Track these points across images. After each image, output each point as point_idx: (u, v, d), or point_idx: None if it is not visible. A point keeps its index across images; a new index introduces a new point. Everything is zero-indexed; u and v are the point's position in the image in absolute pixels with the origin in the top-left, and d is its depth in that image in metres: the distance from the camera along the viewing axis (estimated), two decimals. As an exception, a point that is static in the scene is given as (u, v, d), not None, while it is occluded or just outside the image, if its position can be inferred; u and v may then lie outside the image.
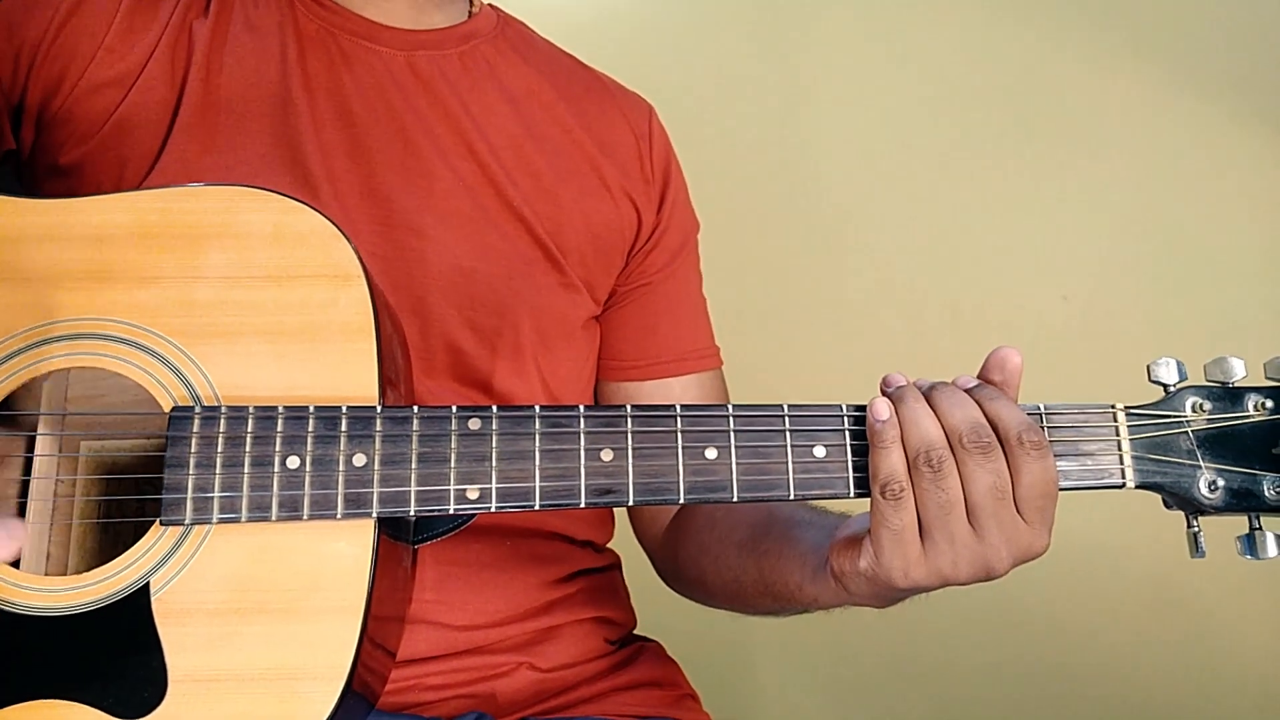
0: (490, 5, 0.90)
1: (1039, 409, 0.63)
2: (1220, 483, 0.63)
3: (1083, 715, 1.46)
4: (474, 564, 0.77)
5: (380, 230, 0.77)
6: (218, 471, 0.58)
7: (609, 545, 0.90)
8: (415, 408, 0.60)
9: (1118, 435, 0.63)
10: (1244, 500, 0.63)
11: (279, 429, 0.59)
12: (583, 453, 0.60)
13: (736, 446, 0.61)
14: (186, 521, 0.58)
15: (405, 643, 0.69)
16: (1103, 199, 1.52)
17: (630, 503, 0.60)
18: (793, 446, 0.61)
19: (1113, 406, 0.64)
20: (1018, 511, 0.60)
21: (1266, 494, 0.63)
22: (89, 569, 0.59)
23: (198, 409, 0.59)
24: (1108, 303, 1.50)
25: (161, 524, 0.58)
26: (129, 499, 0.64)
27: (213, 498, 0.58)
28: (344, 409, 0.60)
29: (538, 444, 0.60)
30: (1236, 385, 0.65)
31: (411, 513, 0.59)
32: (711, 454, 0.61)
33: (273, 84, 0.78)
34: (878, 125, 1.54)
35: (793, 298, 1.52)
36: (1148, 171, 1.52)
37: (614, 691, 0.80)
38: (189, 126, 0.76)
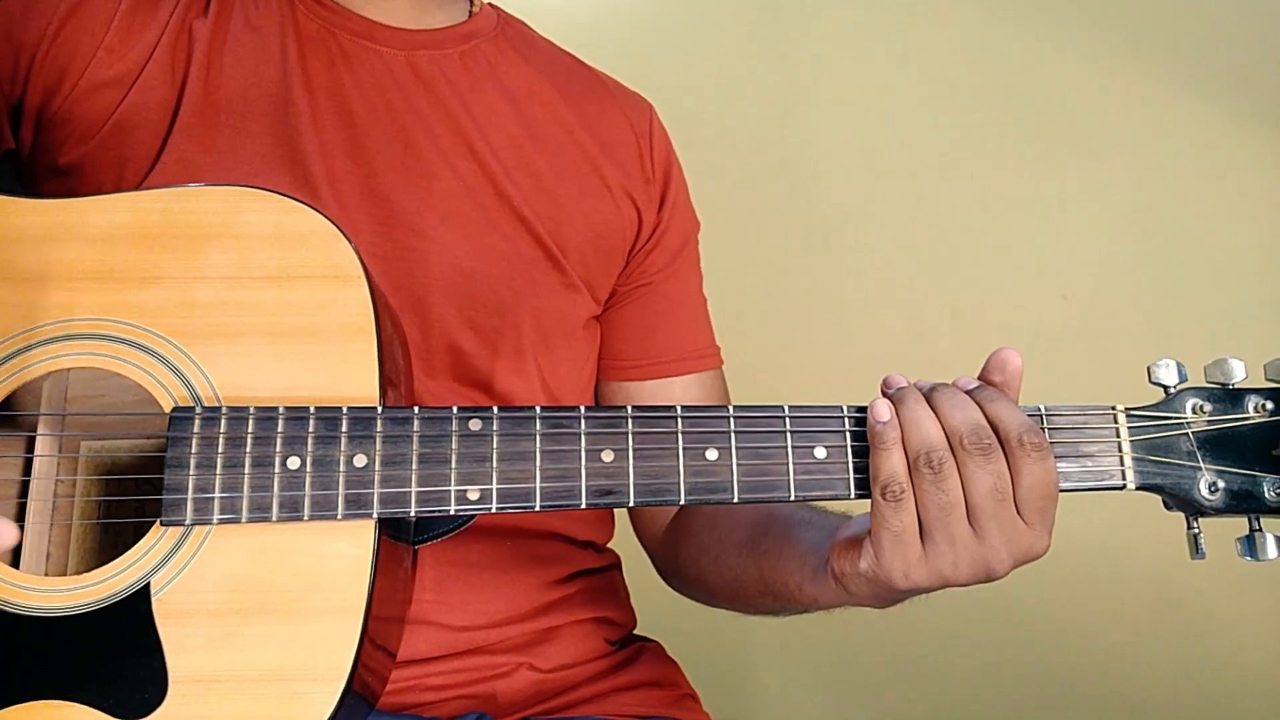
0: (490, 5, 0.90)
1: (1039, 410, 0.63)
2: (1220, 484, 0.63)
3: (1083, 715, 1.46)
4: (474, 564, 0.77)
5: (381, 230, 0.77)
6: (218, 472, 0.58)
7: (609, 545, 0.90)
8: (416, 408, 0.60)
9: (1118, 437, 0.63)
10: (1244, 502, 0.63)
11: (280, 429, 0.59)
12: (583, 454, 0.60)
13: (737, 447, 0.61)
14: (187, 522, 0.58)
15: (405, 643, 0.69)
16: (1103, 199, 1.52)
17: (631, 504, 0.60)
18: (793, 448, 0.61)
19: (1113, 408, 0.64)
20: (1018, 513, 0.60)
21: (1266, 495, 0.63)
22: (89, 569, 0.59)
23: (198, 409, 0.59)
24: (1108, 303, 1.50)
25: (162, 524, 0.58)
26: (129, 499, 0.64)
27: (213, 498, 0.58)
28: (345, 410, 0.60)
29: (538, 445, 0.60)
30: (1237, 387, 0.65)
31: (412, 513, 0.59)
32: (712, 455, 0.61)
33: (273, 84, 0.78)
34: (878, 125, 1.54)
35: (793, 298, 1.52)
36: (1148, 171, 1.52)
37: (614, 692, 0.80)
38: (189, 126, 0.76)
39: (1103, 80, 1.53)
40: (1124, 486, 0.63)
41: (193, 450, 0.58)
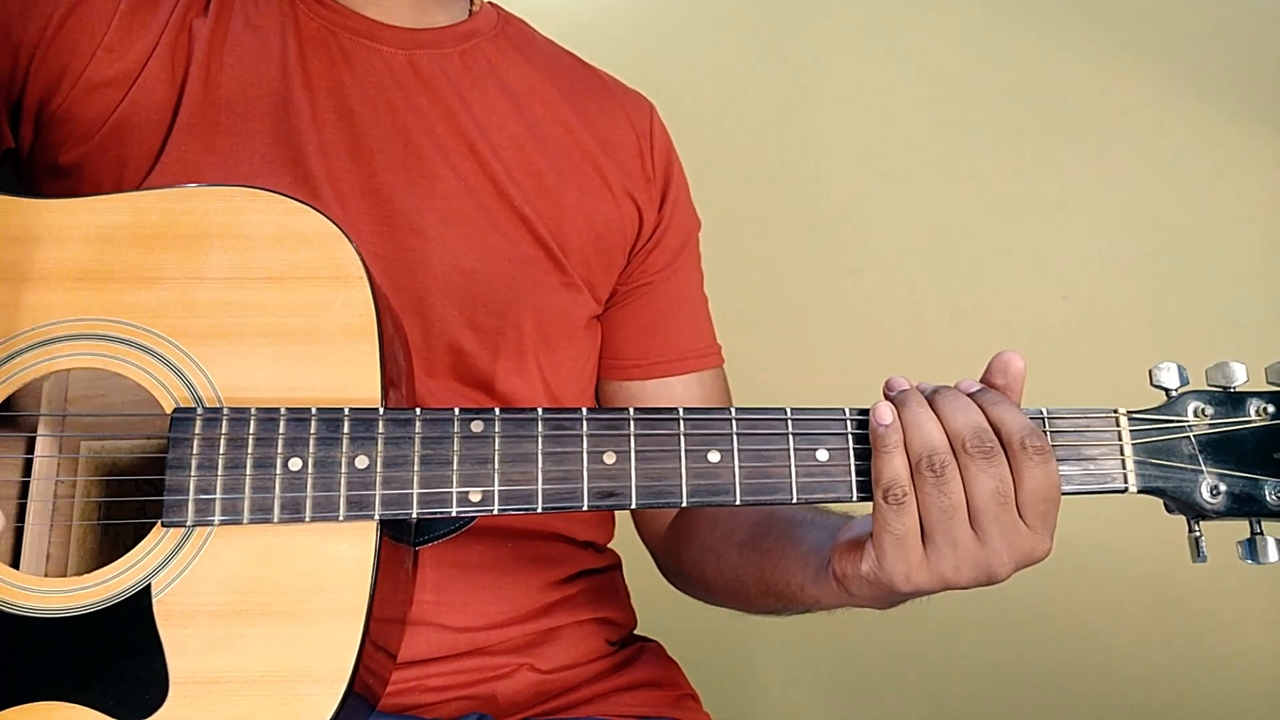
0: (490, 3, 0.90)
1: (1042, 413, 0.63)
2: (1222, 487, 0.63)
3: (1083, 716, 1.46)
4: (475, 565, 0.77)
5: (381, 230, 0.77)
6: (220, 473, 0.58)
7: (609, 545, 0.90)
8: (418, 410, 0.60)
9: (1120, 440, 0.63)
10: (1245, 505, 0.63)
11: (281, 430, 0.59)
12: (585, 455, 0.60)
13: (739, 450, 0.61)
14: (188, 523, 0.58)
15: (406, 644, 0.69)
16: (1103, 199, 1.52)
17: (633, 505, 0.60)
18: (795, 450, 0.61)
19: (1115, 411, 0.64)
20: (1020, 516, 0.60)
21: (1268, 499, 0.63)
22: (89, 570, 0.59)
23: (200, 410, 0.59)
24: (1108, 303, 1.50)
25: (163, 525, 0.58)
26: (130, 500, 0.64)
27: (214, 499, 0.58)
28: (346, 411, 0.59)
29: (540, 446, 0.60)
30: (1238, 390, 0.65)
31: (414, 515, 0.59)
32: (714, 457, 0.61)
33: (273, 83, 0.78)
34: (878, 125, 1.54)
35: (792, 298, 1.52)
36: (1148, 171, 1.52)
37: (614, 692, 0.80)
38: (189, 126, 0.75)
39: (1103, 80, 1.53)
40: (1126, 489, 0.63)
41: (194, 451, 0.58)
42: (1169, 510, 0.66)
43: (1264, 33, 1.52)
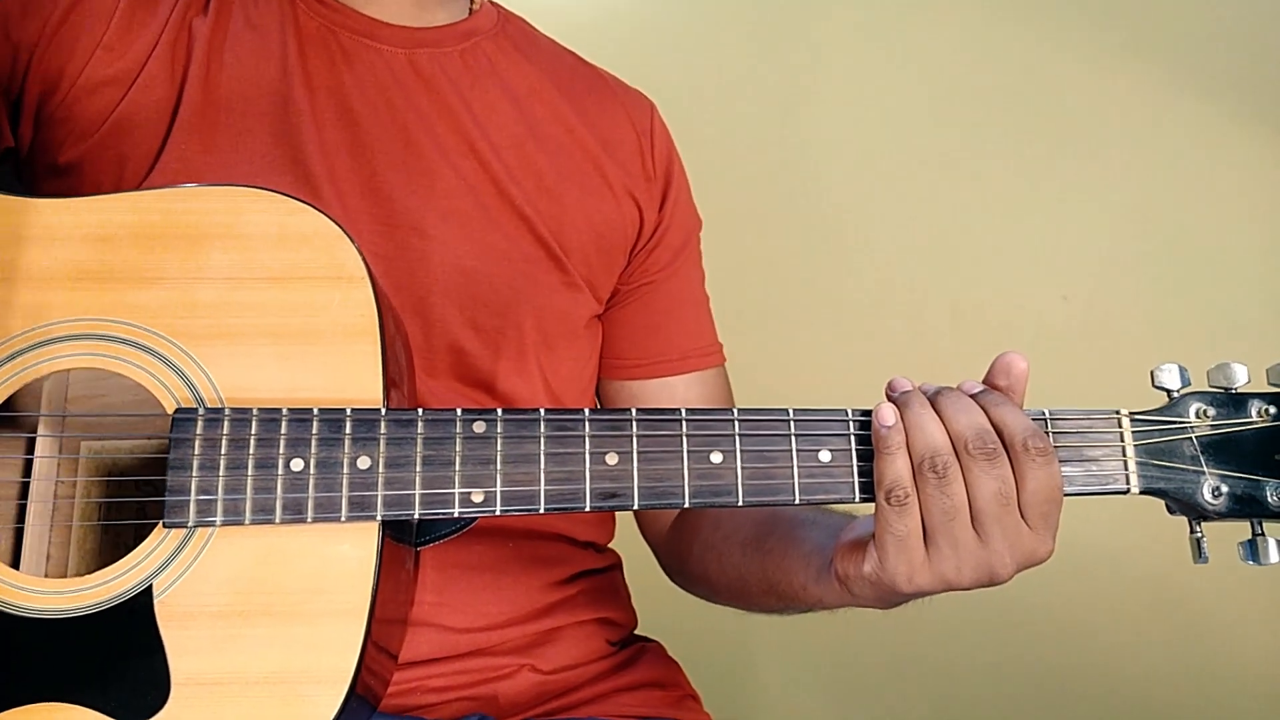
0: (491, 2, 0.90)
1: (1044, 414, 0.63)
2: (1224, 489, 0.63)
3: (1083, 716, 1.47)
4: (476, 566, 0.77)
5: (382, 230, 0.77)
6: (221, 473, 0.58)
7: (610, 545, 0.90)
8: (420, 410, 0.60)
9: (1122, 441, 0.63)
10: (1247, 506, 0.63)
11: (283, 431, 0.59)
12: (588, 456, 0.60)
13: (742, 451, 0.61)
14: (190, 524, 0.58)
15: (407, 645, 0.69)
16: (1103, 199, 1.52)
17: (635, 507, 0.60)
18: (798, 451, 0.61)
19: (1117, 412, 0.64)
20: (1022, 517, 0.60)
21: (1269, 500, 0.63)
22: (89, 570, 0.58)
23: (201, 410, 0.59)
24: (1108, 303, 1.51)
25: (165, 526, 0.58)
26: (130, 500, 0.64)
27: (216, 500, 0.58)
28: (348, 411, 0.59)
29: (542, 447, 0.60)
30: (1239, 391, 0.65)
31: (416, 516, 0.59)
32: (717, 458, 0.61)
33: (273, 82, 0.77)
34: (878, 125, 1.54)
35: (792, 298, 1.52)
36: (1148, 171, 1.52)
37: (615, 692, 0.80)
38: (189, 125, 0.75)
39: (1103, 80, 1.53)
40: (1128, 491, 0.63)
41: (195, 451, 0.58)
42: (1170, 511, 0.66)
43: (1264, 33, 1.52)
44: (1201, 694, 1.46)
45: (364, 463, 0.59)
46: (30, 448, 0.64)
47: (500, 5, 0.90)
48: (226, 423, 0.59)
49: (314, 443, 0.59)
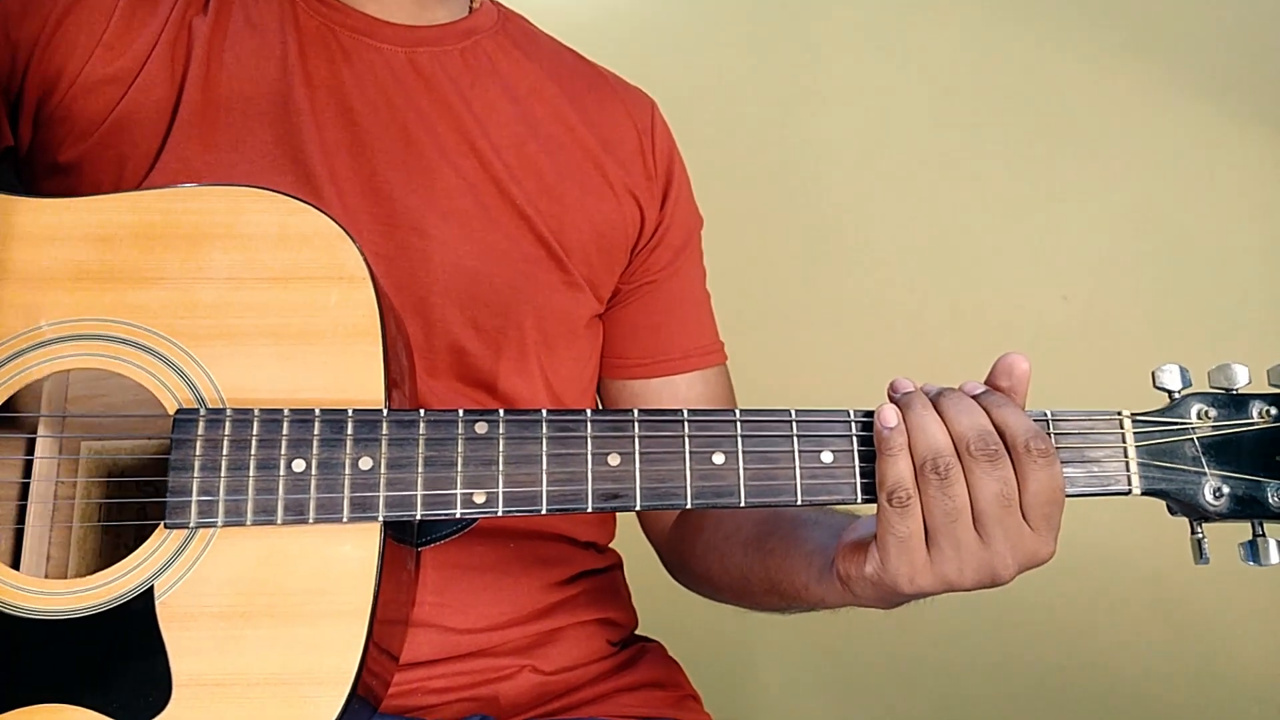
0: (491, 0, 0.90)
1: (1046, 415, 0.63)
2: (1225, 490, 0.63)
3: (1083, 716, 1.47)
4: (476, 567, 0.76)
5: (383, 230, 0.77)
6: (223, 474, 0.58)
7: (611, 545, 0.90)
8: (422, 411, 0.60)
9: (1124, 442, 0.63)
10: (1248, 507, 0.63)
11: (284, 432, 0.59)
12: (590, 457, 0.60)
13: (744, 452, 0.61)
14: (191, 524, 0.58)
15: (408, 646, 0.69)
16: (1103, 199, 1.52)
17: (637, 508, 0.60)
18: (800, 452, 0.61)
19: (1119, 414, 0.64)
20: (1024, 519, 0.60)
21: (1270, 501, 0.63)
22: (90, 571, 0.58)
23: (203, 411, 0.59)
24: (1108, 303, 1.51)
25: (166, 527, 0.58)
26: (131, 501, 0.64)
27: (218, 501, 0.58)
28: (350, 412, 0.59)
29: (544, 448, 0.60)
30: (1240, 392, 0.65)
31: (418, 517, 0.59)
32: (719, 459, 0.61)
33: (273, 82, 0.77)
34: (878, 125, 1.54)
35: (792, 297, 1.52)
36: (1148, 171, 1.52)
37: (616, 693, 0.80)
38: (189, 125, 0.75)
39: (1103, 80, 1.53)
40: (1129, 492, 0.63)
41: (197, 452, 0.58)
42: (1172, 512, 0.66)
43: (1264, 33, 1.52)
44: (1201, 694, 1.46)
45: (366, 463, 0.59)
46: (30, 448, 0.64)
47: (500, 4, 0.90)
48: (228, 423, 0.59)
49: (316, 443, 0.59)
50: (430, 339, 0.77)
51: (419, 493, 0.59)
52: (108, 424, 0.65)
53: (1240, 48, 1.52)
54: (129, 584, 0.57)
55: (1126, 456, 0.63)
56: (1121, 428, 0.64)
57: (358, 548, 0.58)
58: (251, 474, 0.58)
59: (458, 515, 0.59)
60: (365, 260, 0.62)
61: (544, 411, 0.61)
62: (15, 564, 0.62)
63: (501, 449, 0.60)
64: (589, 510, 0.60)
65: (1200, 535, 0.64)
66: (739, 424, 0.61)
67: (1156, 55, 1.53)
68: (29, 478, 0.63)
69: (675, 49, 1.53)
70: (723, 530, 0.80)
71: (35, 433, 0.64)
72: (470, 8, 0.87)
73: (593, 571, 0.85)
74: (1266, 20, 1.52)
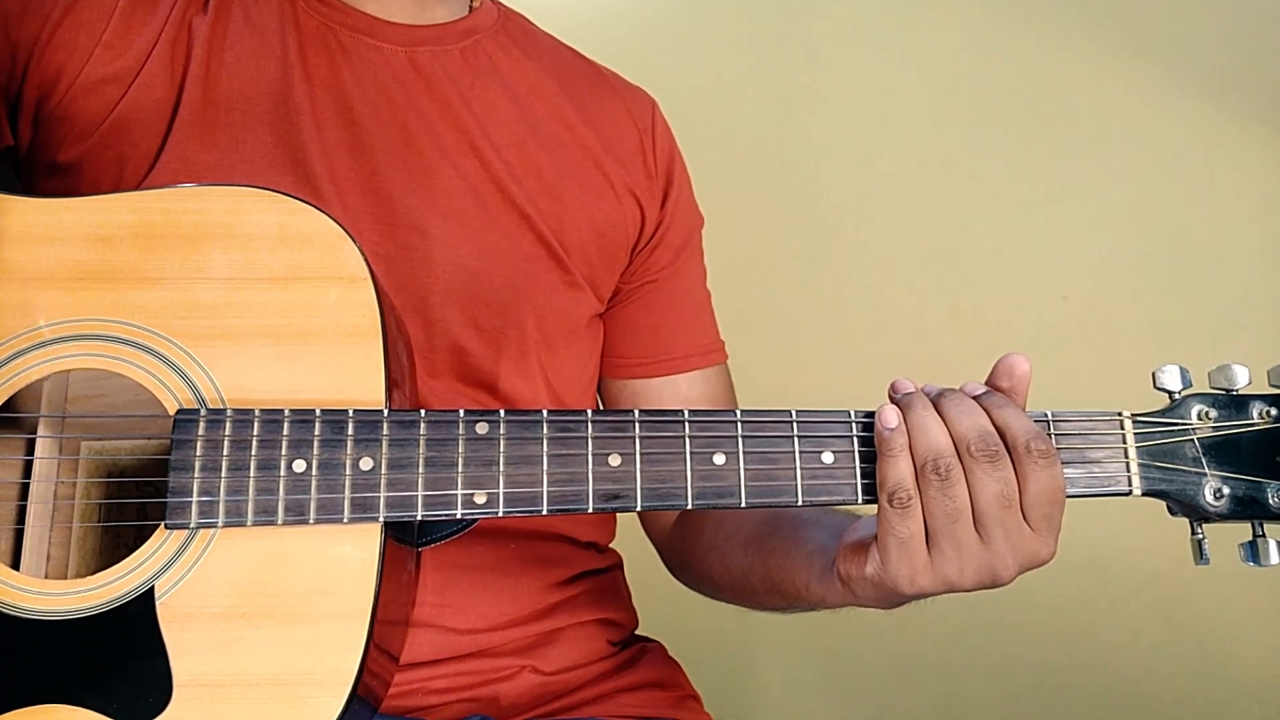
0: (491, -1, 0.90)
1: (1046, 416, 0.63)
2: (1225, 490, 0.63)
3: (1083, 716, 1.47)
4: (477, 567, 0.76)
5: (383, 229, 0.76)
6: (223, 475, 0.58)
7: (611, 545, 0.90)
8: (422, 411, 0.60)
9: (1124, 443, 0.63)
10: (1248, 508, 0.63)
11: (285, 432, 0.59)
12: (590, 458, 0.60)
13: (744, 452, 0.61)
14: (191, 525, 0.58)
15: (408, 647, 0.69)
16: (1103, 199, 1.52)
17: (638, 508, 0.60)
18: (801, 453, 0.61)
19: (1119, 414, 0.64)
20: (1024, 519, 0.60)
21: (1270, 502, 0.63)
22: (90, 572, 0.58)
23: (203, 411, 0.59)
24: (1108, 303, 1.51)
25: (166, 527, 0.58)
26: (131, 502, 0.64)
27: (218, 501, 0.58)
28: (351, 412, 0.59)
29: (545, 449, 0.60)
30: (1241, 393, 0.65)
31: (418, 517, 0.59)
32: (719, 460, 0.61)
33: (273, 81, 0.77)
34: (878, 125, 1.54)
35: (792, 297, 1.52)
36: (1148, 171, 1.52)
37: (616, 693, 0.80)
38: (189, 124, 0.75)
39: (1103, 80, 1.53)
40: (1130, 492, 0.63)
41: (197, 452, 0.58)
42: (1172, 513, 0.66)
43: (1264, 33, 1.52)
44: (1201, 694, 1.46)
45: (366, 464, 0.59)
46: (30, 448, 0.64)
47: (500, 3, 0.90)
48: (228, 424, 0.59)
49: (316, 444, 0.59)
50: (431, 339, 0.77)
51: (420, 493, 0.59)
52: (108, 424, 0.65)
53: (1240, 48, 1.52)
54: (129, 584, 0.57)
55: (1127, 457, 0.63)
56: (1122, 428, 0.64)
57: (358, 548, 0.58)
58: (252, 474, 0.58)
59: (458, 516, 0.59)
60: (366, 260, 0.62)
61: (544, 412, 0.61)
62: (15, 564, 0.62)
63: (502, 449, 0.60)
64: (589, 511, 0.60)
65: (1200, 536, 0.64)
66: (739, 424, 0.61)
67: (1156, 55, 1.53)
68: (29, 478, 0.63)
69: (675, 48, 1.53)
70: (724, 529, 0.81)
71: (35, 433, 0.64)
72: (470, 7, 0.86)
73: (593, 572, 0.85)
74: (1266, 20, 1.52)
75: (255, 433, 0.59)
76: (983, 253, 1.52)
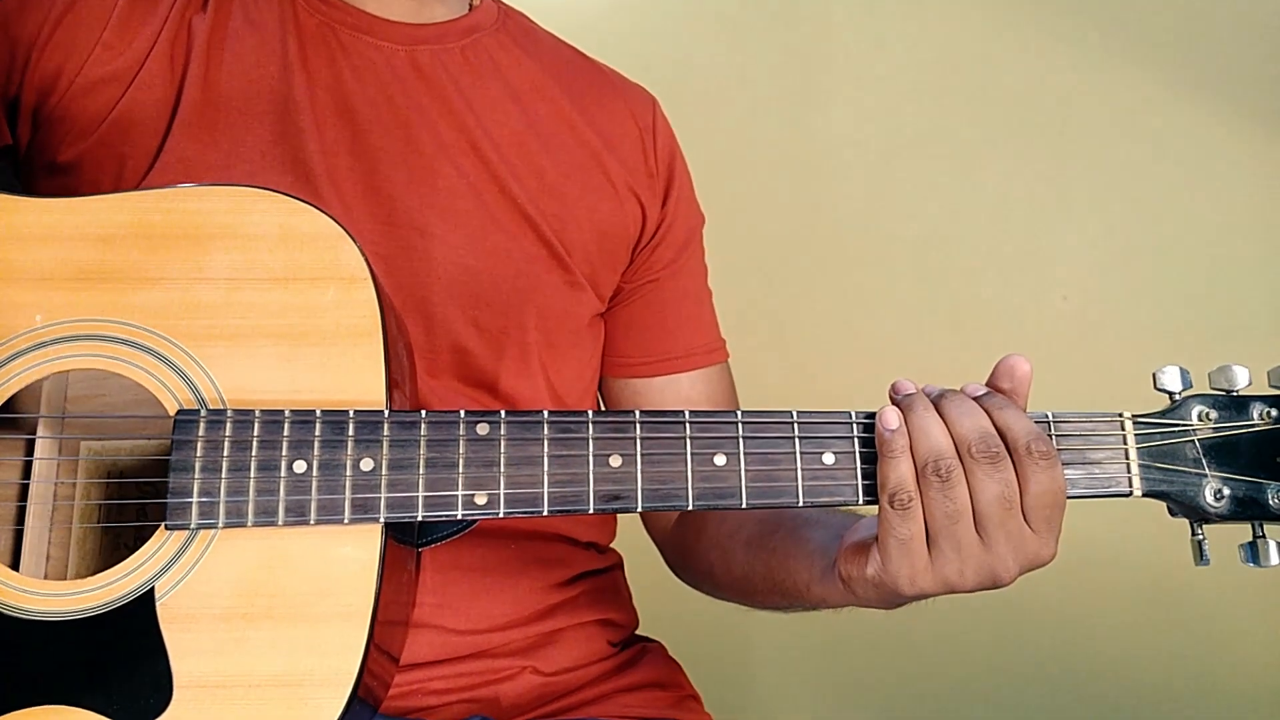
0: (490, -3, 0.89)
1: (1047, 417, 0.63)
2: (1226, 491, 0.63)
3: (1083, 716, 1.47)
4: (477, 568, 0.76)
5: (383, 229, 0.76)
6: (224, 475, 0.58)
7: (611, 545, 0.90)
8: (423, 412, 0.60)
9: (1125, 444, 0.63)
10: (1249, 509, 0.63)
11: (285, 433, 0.59)
12: (591, 458, 0.60)
13: (745, 453, 0.61)
14: (192, 526, 0.58)
15: (408, 647, 0.69)
16: (1103, 199, 1.52)
17: (639, 509, 0.60)
18: (802, 453, 0.61)
19: (1120, 415, 0.64)
20: (1025, 521, 0.60)
21: (1270, 502, 0.63)
22: (89, 572, 0.58)
23: (203, 412, 0.59)
24: (1108, 303, 1.51)
25: (167, 528, 0.58)
26: (131, 502, 0.64)
27: (218, 502, 0.58)
28: (351, 413, 0.59)
29: (546, 449, 0.60)
30: (1241, 394, 0.65)
31: (419, 518, 0.59)
32: (720, 460, 0.61)
33: (273, 80, 0.77)
34: (880, 125, 1.54)
35: (793, 297, 1.52)
36: (1148, 172, 1.52)
37: (617, 693, 0.80)
38: (189, 124, 0.75)
39: (1103, 81, 1.53)
40: (1130, 493, 0.63)
41: (198, 453, 0.58)
42: (1172, 514, 0.66)
43: (1264, 33, 1.52)
44: (1201, 694, 1.46)
45: (367, 464, 0.59)
46: (30, 449, 0.64)
47: (501, 1, 0.90)
48: (229, 424, 0.59)
49: (317, 444, 0.59)
50: (431, 339, 0.77)
51: (420, 494, 0.59)
52: (108, 424, 0.65)
53: (1240, 48, 1.52)
54: (129, 585, 0.57)
55: (1128, 459, 0.63)
56: (1122, 429, 0.64)
57: (359, 549, 0.58)
58: (252, 475, 0.58)
59: (459, 516, 0.59)
60: (366, 260, 0.62)
61: (545, 412, 0.60)
62: (15, 565, 0.62)
63: (503, 450, 0.60)
64: (590, 511, 0.60)
65: (1200, 537, 0.64)
66: (740, 425, 0.61)
67: (1156, 55, 1.53)
68: (29, 478, 0.63)
69: (676, 47, 1.53)
70: (725, 529, 0.81)
71: (35, 433, 0.64)
72: (470, 5, 0.86)
73: (593, 572, 0.85)
74: (1266, 20, 1.52)
75: (255, 433, 0.59)
76: (983, 253, 1.52)
